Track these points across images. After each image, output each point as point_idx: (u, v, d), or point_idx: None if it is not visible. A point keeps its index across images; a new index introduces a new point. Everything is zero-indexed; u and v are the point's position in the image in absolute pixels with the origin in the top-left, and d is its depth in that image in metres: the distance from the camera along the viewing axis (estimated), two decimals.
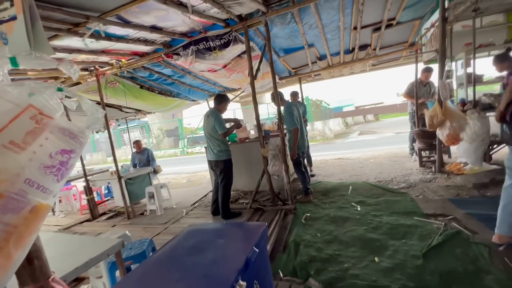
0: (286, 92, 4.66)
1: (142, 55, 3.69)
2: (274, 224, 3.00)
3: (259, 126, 3.35)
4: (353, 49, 4.39)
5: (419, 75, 4.65)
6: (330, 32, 3.80)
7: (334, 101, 37.59)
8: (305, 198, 3.83)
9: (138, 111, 6.46)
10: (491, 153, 4.05)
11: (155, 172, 5.31)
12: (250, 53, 3.17)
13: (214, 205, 3.59)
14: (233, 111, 17.91)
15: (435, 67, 4.71)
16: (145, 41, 3.26)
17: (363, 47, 4.37)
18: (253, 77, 3.27)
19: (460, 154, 3.85)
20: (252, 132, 4.30)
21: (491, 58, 4.52)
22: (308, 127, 14.01)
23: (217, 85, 5.39)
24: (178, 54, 3.30)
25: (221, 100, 3.47)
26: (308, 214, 3.19)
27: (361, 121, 31.54)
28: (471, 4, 3.03)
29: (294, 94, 5.23)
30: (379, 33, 3.84)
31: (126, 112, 6.44)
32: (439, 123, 3.51)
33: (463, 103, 3.87)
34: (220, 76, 4.49)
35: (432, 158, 4.57)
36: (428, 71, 4.71)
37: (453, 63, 4.11)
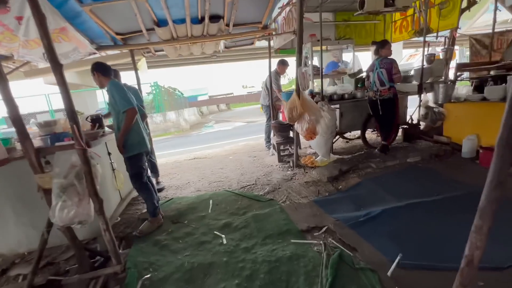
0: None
1: None
2: None
3: (19, 123, 1.58)
4: (203, 18, 3.33)
5: (274, 67, 4.34)
6: None
7: (188, 89, 36.56)
8: (153, 223, 2.58)
9: None
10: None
11: None
12: None
13: None
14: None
15: (289, 60, 4.62)
16: None
17: (214, 18, 3.39)
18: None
19: (312, 146, 3.81)
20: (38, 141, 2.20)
21: (329, 53, 4.95)
22: (159, 118, 12.12)
23: None
24: None
25: None
26: (148, 275, 1.90)
27: (215, 110, 32.63)
28: None
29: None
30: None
31: None
32: (299, 116, 3.17)
33: (311, 94, 3.82)
34: None
35: (287, 151, 4.48)
36: (284, 64, 4.52)
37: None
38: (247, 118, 14.80)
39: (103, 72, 2.39)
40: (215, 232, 2.40)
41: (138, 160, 2.49)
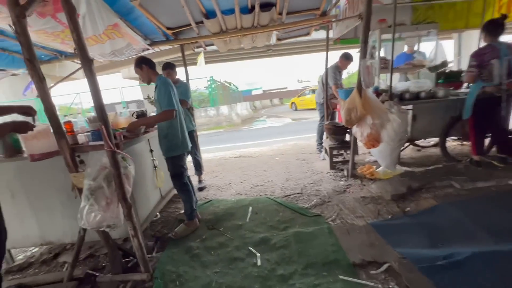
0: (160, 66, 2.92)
1: None
2: None
3: (54, 121, 1.55)
4: (253, 7, 3.04)
5: (332, 60, 3.79)
6: None
7: (243, 84, 37.37)
8: (189, 227, 2.47)
9: None
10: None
11: None
12: None
13: None
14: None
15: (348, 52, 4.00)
16: None
17: (266, 6, 3.07)
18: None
19: (373, 154, 3.19)
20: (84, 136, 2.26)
21: (403, 42, 4.14)
22: (213, 112, 12.52)
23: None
24: None
25: None
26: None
27: (268, 105, 32.66)
28: None
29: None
30: None
31: None
32: (359, 119, 2.63)
33: (376, 92, 3.19)
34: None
35: (341, 157, 3.92)
36: (348, 58, 3.94)
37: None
38: (299, 114, 14.20)
39: (151, 66, 2.31)
40: (250, 248, 2.13)
41: (180, 160, 2.39)
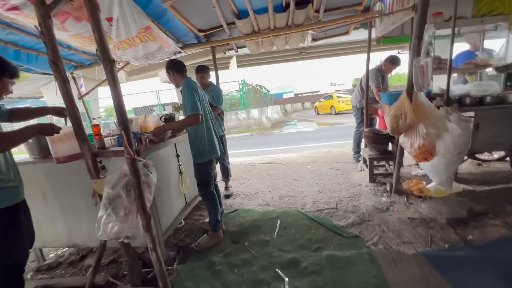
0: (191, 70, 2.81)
1: None
2: None
3: (77, 124, 1.49)
4: (288, 5, 2.83)
5: (373, 62, 3.42)
6: None
7: (274, 87, 37.21)
8: (212, 238, 2.33)
9: None
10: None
11: None
12: None
13: None
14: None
15: (384, 53, 3.59)
16: None
17: (302, 3, 2.84)
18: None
19: (424, 168, 2.76)
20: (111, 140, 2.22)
21: (461, 38, 3.62)
22: (243, 115, 12.51)
23: (76, 50, 3.18)
24: None
25: None
26: None
27: (299, 109, 32.06)
28: None
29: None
30: None
31: None
32: (408, 127, 2.27)
33: (429, 96, 2.76)
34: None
35: (383, 169, 3.50)
36: (395, 62, 3.56)
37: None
38: (332, 119, 13.58)
39: (177, 71, 2.23)
40: (277, 270, 1.90)
41: (207, 167, 2.26)
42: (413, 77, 2.16)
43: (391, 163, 3.48)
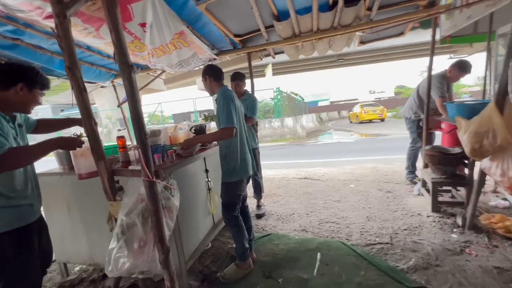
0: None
1: None
2: None
3: (94, 137, 1.30)
4: (335, 3, 2.47)
5: (436, 67, 2.85)
6: None
7: (309, 95, 36.34)
8: (240, 269, 2.01)
9: None
10: None
11: None
12: None
13: None
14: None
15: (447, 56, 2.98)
16: None
17: (351, 0, 2.46)
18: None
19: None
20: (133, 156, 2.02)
21: None
22: (277, 124, 12.19)
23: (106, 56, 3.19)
24: None
25: None
26: None
27: (335, 117, 30.77)
28: None
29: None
30: None
31: None
32: (498, 148, 1.73)
33: None
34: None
35: (449, 195, 2.88)
36: (464, 69, 2.97)
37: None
38: (374, 129, 12.56)
39: (215, 77, 2.01)
40: None
41: (236, 188, 1.97)
42: (509, 84, 1.63)
43: (459, 188, 2.84)
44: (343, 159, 6.04)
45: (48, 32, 2.41)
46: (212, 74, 2.00)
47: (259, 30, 2.94)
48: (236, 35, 3.04)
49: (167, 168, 1.67)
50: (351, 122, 19.63)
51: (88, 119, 1.26)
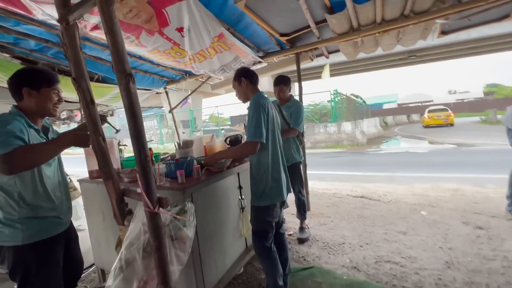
0: (264, 82, 2.28)
1: None
2: None
3: (101, 152, 1.17)
4: None
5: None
6: None
7: (373, 96, 33.16)
8: None
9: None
10: None
11: None
12: None
13: None
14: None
15: None
16: None
17: None
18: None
19: None
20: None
21: None
22: (333, 129, 11.32)
23: (159, 65, 3.26)
24: None
25: None
26: None
27: (403, 121, 27.28)
28: None
29: None
30: None
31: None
32: None
33: None
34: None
35: None
36: None
37: None
38: (456, 137, 10.48)
39: (252, 80, 1.75)
40: None
41: (267, 213, 1.66)
42: None
43: None
44: (412, 174, 5.05)
45: (104, 44, 2.54)
46: (248, 77, 1.74)
47: (308, 26, 2.58)
48: (282, 34, 2.74)
49: (187, 188, 1.47)
50: (423, 127, 17.85)
51: (95, 135, 1.13)
